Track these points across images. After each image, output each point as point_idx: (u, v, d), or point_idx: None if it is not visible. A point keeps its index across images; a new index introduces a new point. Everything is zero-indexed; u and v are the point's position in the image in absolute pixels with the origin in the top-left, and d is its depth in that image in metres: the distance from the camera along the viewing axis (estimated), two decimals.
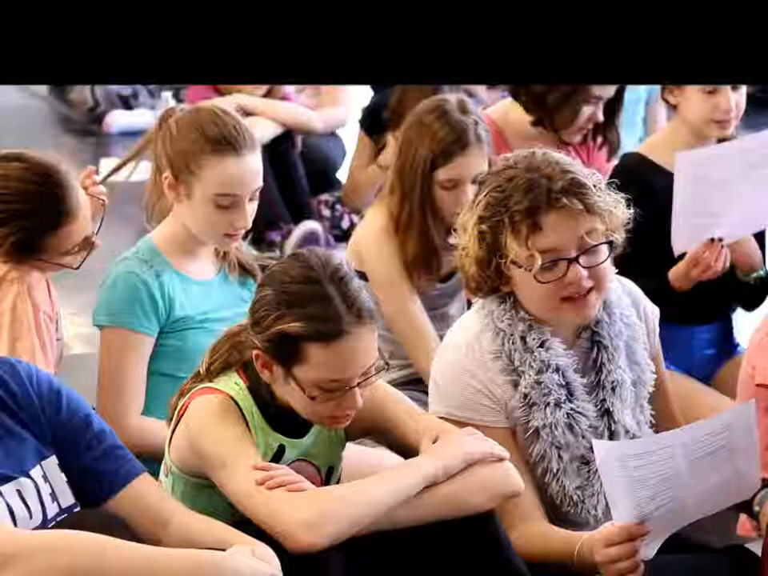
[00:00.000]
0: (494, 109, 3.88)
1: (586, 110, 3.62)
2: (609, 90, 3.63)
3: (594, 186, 2.35)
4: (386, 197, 3.31)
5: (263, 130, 4.10)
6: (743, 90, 3.29)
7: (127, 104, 6.15)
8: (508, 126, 3.75)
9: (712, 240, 3.09)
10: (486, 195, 2.37)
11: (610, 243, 2.37)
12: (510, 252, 2.34)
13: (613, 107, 3.71)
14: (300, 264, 2.22)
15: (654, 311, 2.58)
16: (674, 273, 3.17)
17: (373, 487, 2.14)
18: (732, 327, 3.47)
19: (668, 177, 3.17)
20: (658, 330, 2.59)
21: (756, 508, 2.47)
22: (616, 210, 2.37)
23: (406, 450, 2.34)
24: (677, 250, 3.13)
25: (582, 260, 2.34)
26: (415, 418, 2.34)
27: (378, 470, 2.24)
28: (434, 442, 2.26)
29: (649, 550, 2.24)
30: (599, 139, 3.76)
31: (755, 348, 2.75)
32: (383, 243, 3.24)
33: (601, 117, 3.65)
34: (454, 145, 3.17)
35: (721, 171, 3.07)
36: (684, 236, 3.11)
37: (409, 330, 3.26)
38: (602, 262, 2.36)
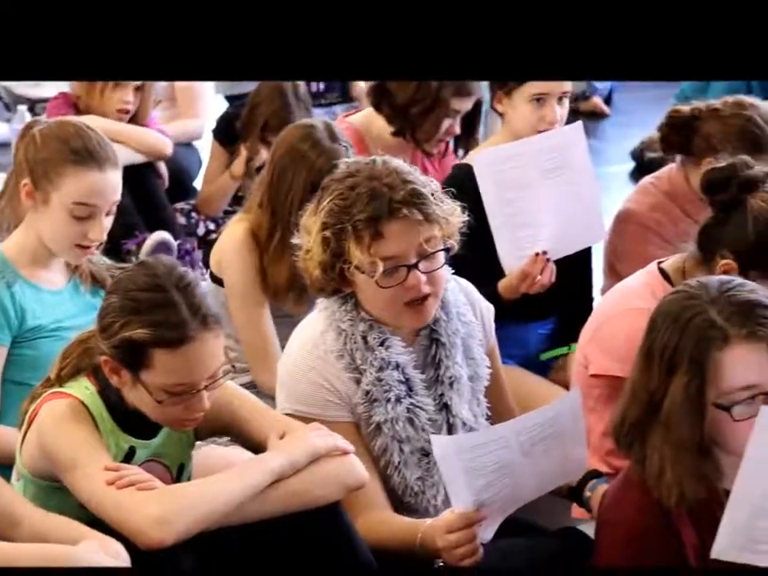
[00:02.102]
0: (357, 117, 3.91)
1: (446, 123, 3.67)
2: (467, 104, 3.68)
3: (432, 195, 2.39)
4: (251, 210, 3.30)
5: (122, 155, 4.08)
6: (566, 102, 3.34)
7: None
8: (369, 135, 3.78)
9: (537, 254, 3.11)
10: (329, 202, 2.39)
11: (447, 250, 2.42)
12: (353, 258, 2.36)
13: (472, 120, 3.77)
14: (146, 272, 2.23)
15: (489, 309, 2.63)
16: (503, 285, 3.17)
17: (221, 484, 2.16)
18: (565, 323, 3.52)
19: None
20: (493, 326, 2.65)
21: (587, 493, 2.55)
22: (452, 218, 2.42)
23: (256, 447, 2.35)
24: (507, 269, 3.13)
25: (421, 266, 2.37)
26: (263, 415, 2.36)
27: (228, 467, 2.25)
28: (281, 438, 2.28)
29: (487, 533, 2.29)
30: (461, 151, 3.82)
31: (588, 341, 2.83)
32: (241, 255, 3.23)
33: (458, 129, 3.71)
34: (331, 174, 3.17)
35: (518, 172, 3.08)
36: (510, 254, 3.11)
37: (255, 340, 3.24)
38: (439, 268, 2.40)
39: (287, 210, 3.15)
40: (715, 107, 3.26)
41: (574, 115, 3.52)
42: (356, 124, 3.84)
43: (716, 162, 2.80)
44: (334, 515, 2.24)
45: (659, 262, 2.76)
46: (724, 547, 1.98)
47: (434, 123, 3.66)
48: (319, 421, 2.38)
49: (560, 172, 3.12)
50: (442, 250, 2.40)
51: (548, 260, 3.12)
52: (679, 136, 3.29)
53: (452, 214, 2.42)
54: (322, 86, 5.33)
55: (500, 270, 3.19)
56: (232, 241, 3.27)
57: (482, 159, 3.11)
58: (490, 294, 2.76)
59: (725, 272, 2.50)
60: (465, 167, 3.39)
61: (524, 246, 3.12)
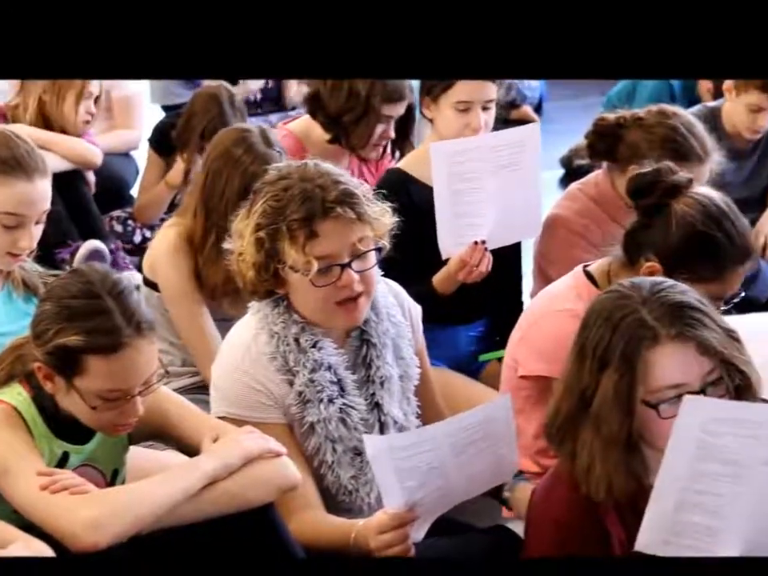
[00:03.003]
0: (296, 124, 3.92)
1: (379, 128, 3.69)
2: (399, 109, 3.70)
3: (364, 196, 2.41)
4: (184, 215, 3.30)
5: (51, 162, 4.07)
6: (492, 110, 3.37)
7: None
8: (309, 141, 3.78)
9: (476, 243, 3.16)
10: (262, 203, 2.39)
11: (379, 250, 2.43)
12: (287, 258, 2.37)
13: (406, 124, 3.79)
14: (79, 279, 2.21)
15: (417, 309, 2.65)
16: (440, 276, 3.23)
17: (155, 487, 2.15)
18: (495, 325, 3.55)
19: (426, 189, 3.25)
20: (421, 327, 2.66)
21: (506, 494, 2.57)
22: (383, 218, 2.43)
23: (190, 451, 2.34)
24: (444, 254, 3.20)
25: (354, 265, 2.39)
26: (196, 419, 2.36)
27: (163, 470, 2.23)
28: (214, 442, 2.27)
29: (419, 532, 2.30)
30: (397, 153, 3.83)
31: (516, 343, 2.85)
32: (174, 259, 3.24)
33: (392, 134, 3.72)
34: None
35: (473, 164, 3.13)
36: (449, 240, 3.17)
37: (196, 340, 3.26)
38: (371, 267, 2.42)
39: (221, 213, 3.14)
40: (639, 116, 3.30)
41: (504, 123, 3.54)
42: (295, 131, 3.86)
43: (640, 169, 2.83)
44: (266, 516, 2.23)
45: (585, 266, 2.79)
46: (648, 541, 2.00)
47: (367, 130, 3.67)
48: (252, 423, 2.37)
49: (511, 168, 3.17)
50: (374, 249, 2.41)
51: (486, 249, 3.16)
52: (605, 144, 3.33)
53: (383, 215, 2.43)
54: (258, 95, 5.33)
55: (430, 271, 3.22)
56: (165, 245, 3.26)
57: (439, 148, 3.14)
58: (422, 293, 2.77)
59: (649, 274, 2.53)
60: (397, 171, 3.43)
61: (464, 233, 3.17)
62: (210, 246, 3.19)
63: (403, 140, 3.82)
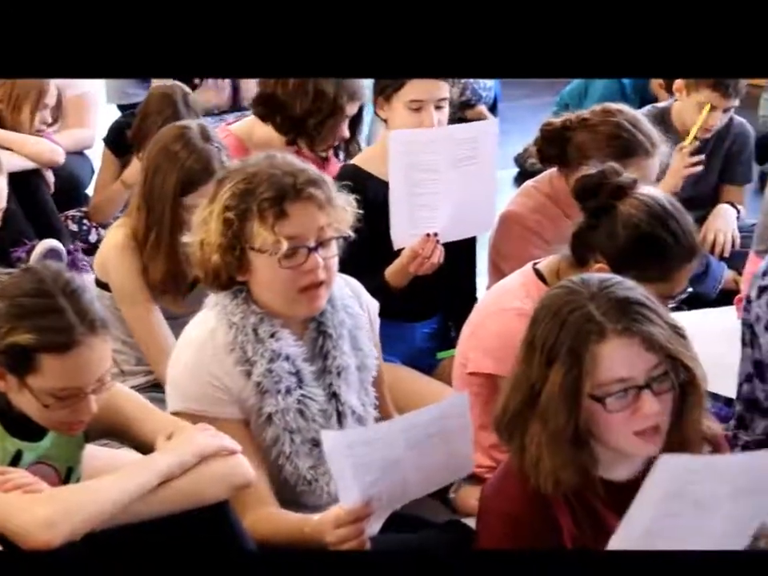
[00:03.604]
0: (239, 125, 3.90)
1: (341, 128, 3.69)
2: (355, 108, 3.70)
3: (330, 185, 2.44)
4: (130, 214, 3.31)
5: (9, 160, 4.05)
6: (446, 109, 3.38)
7: None
8: (251, 142, 3.77)
9: (428, 235, 3.18)
10: (231, 187, 2.40)
11: (345, 239, 2.44)
12: (256, 238, 2.38)
13: (355, 124, 3.79)
14: (32, 278, 2.20)
15: (374, 304, 2.66)
16: (392, 269, 3.25)
17: (109, 484, 2.14)
18: (449, 323, 3.57)
19: (380, 184, 3.28)
20: (377, 321, 2.67)
21: (451, 494, 2.58)
22: (347, 209, 2.46)
23: (145, 448, 2.33)
24: (396, 245, 3.21)
25: (319, 251, 2.40)
26: (151, 417, 2.36)
27: (118, 468, 2.23)
28: (169, 439, 2.27)
29: (374, 527, 2.30)
30: (341, 154, 3.85)
31: (466, 340, 2.87)
32: (124, 258, 3.25)
33: (347, 133, 3.73)
34: (201, 173, 3.18)
35: (431, 156, 3.15)
36: (402, 231, 3.19)
37: (149, 339, 3.26)
38: (333, 256, 2.43)
39: (161, 210, 3.18)
40: (584, 117, 3.33)
41: (459, 123, 3.56)
42: (237, 132, 3.85)
43: (590, 169, 2.85)
44: (220, 513, 2.23)
45: (535, 263, 2.80)
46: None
47: (332, 130, 3.68)
48: (208, 418, 2.38)
49: (468, 162, 3.19)
50: (339, 237, 2.43)
51: (438, 242, 3.18)
52: (553, 148, 3.36)
53: (347, 206, 2.46)
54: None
55: (383, 267, 3.23)
56: (113, 245, 3.28)
57: (398, 138, 3.16)
58: (374, 286, 2.78)
59: None
60: (353, 167, 3.45)
61: (418, 225, 3.19)
62: (151, 242, 3.21)
63: (350, 140, 3.82)
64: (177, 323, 3.26)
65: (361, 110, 3.77)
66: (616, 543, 1.99)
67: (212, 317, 2.47)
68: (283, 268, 2.38)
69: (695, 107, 4.21)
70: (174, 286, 3.24)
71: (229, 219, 2.38)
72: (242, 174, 2.42)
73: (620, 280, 2.17)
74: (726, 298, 3.94)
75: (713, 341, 3.26)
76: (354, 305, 2.57)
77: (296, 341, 2.47)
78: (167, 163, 3.20)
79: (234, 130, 3.87)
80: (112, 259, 3.27)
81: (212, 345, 2.43)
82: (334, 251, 2.43)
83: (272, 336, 2.43)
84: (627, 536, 1.98)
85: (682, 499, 1.93)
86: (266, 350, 2.42)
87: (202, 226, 2.44)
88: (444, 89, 3.35)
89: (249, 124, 3.86)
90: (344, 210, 2.44)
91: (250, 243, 2.39)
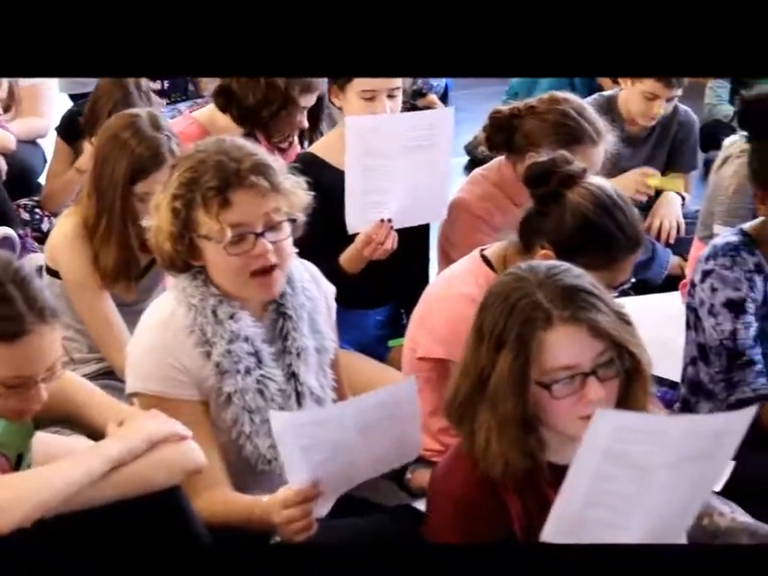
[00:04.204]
0: (202, 112, 3.91)
1: (297, 119, 3.70)
2: (312, 99, 3.72)
3: (278, 169, 2.43)
4: (81, 202, 3.30)
5: None
6: (399, 98, 3.39)
7: None
8: (214, 129, 3.75)
9: (382, 220, 3.19)
10: (178, 176, 2.41)
11: (293, 221, 2.44)
12: (202, 227, 2.38)
13: (316, 113, 3.80)
14: None
15: (331, 289, 2.67)
16: (347, 254, 3.26)
17: (59, 471, 2.12)
18: (401, 310, 3.58)
19: (337, 173, 3.28)
20: (334, 306, 2.68)
21: (408, 475, 2.59)
22: (297, 192, 2.46)
23: (96, 435, 2.32)
24: (351, 229, 3.22)
25: (267, 236, 2.40)
26: (101, 403, 2.34)
27: (68, 455, 2.21)
28: (119, 426, 2.26)
29: (322, 509, 2.31)
30: (306, 142, 3.84)
31: (416, 325, 2.88)
32: (74, 246, 3.24)
33: (306, 123, 3.75)
34: (151, 161, 3.18)
35: (386, 143, 3.16)
36: (357, 216, 3.20)
37: (100, 327, 3.25)
38: (285, 239, 2.43)
39: (110, 197, 3.17)
40: (532, 105, 3.35)
41: (412, 111, 3.57)
42: (200, 119, 3.86)
43: (537, 157, 2.86)
44: (171, 499, 2.22)
45: (482, 250, 2.81)
46: (553, 532, 2.02)
47: (287, 121, 3.70)
48: (168, 399, 2.38)
49: (422, 150, 3.19)
50: (288, 220, 2.42)
51: (392, 228, 3.19)
52: (502, 135, 3.37)
53: (298, 189, 2.46)
54: (166, 83, 5.28)
55: (337, 254, 3.23)
56: (63, 233, 3.27)
57: (354, 122, 3.17)
58: (329, 271, 2.78)
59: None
60: (309, 155, 3.45)
61: (372, 210, 3.20)
62: (102, 230, 3.21)
63: (313, 129, 3.84)
64: (129, 310, 3.26)
65: (321, 99, 3.77)
66: (558, 512, 2.00)
67: (172, 299, 2.47)
68: (231, 255, 2.38)
69: (640, 96, 4.25)
70: (126, 273, 3.24)
71: (176, 208, 2.40)
72: (189, 162, 2.42)
73: (567, 267, 2.18)
74: (672, 283, 3.98)
75: (658, 325, 3.31)
76: (312, 288, 2.58)
77: (255, 322, 2.47)
78: (117, 151, 3.19)
79: (198, 117, 3.88)
80: (62, 247, 3.26)
81: (172, 326, 2.43)
82: (285, 234, 2.43)
83: (231, 317, 2.44)
84: (568, 503, 1.98)
85: (620, 460, 1.94)
86: (225, 331, 2.43)
87: (155, 212, 2.45)
88: (395, 79, 3.36)
89: (211, 111, 3.86)
90: (294, 194, 2.45)
91: (197, 231, 2.40)
